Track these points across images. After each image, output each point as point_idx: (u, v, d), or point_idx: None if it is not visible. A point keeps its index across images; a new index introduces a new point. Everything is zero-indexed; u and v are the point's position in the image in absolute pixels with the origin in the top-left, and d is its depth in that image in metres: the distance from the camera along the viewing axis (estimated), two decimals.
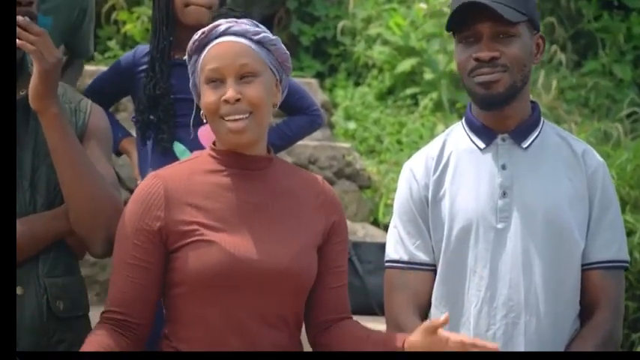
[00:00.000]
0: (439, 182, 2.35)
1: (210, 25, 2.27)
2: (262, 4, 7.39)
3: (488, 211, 2.30)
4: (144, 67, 3.21)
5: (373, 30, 7.07)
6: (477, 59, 2.29)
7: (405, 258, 2.35)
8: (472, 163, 2.35)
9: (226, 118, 2.22)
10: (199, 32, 2.28)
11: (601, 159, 2.40)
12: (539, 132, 2.36)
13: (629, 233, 5.23)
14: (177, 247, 2.22)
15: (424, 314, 2.36)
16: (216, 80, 2.23)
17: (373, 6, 7.25)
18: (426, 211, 2.35)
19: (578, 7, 7.89)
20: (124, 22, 6.48)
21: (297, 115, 3.40)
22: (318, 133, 6.36)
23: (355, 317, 2.36)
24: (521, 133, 2.35)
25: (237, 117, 2.21)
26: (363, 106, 6.69)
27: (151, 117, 3.14)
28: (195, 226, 2.21)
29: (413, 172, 2.38)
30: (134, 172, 3.34)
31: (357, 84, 7.02)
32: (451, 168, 2.36)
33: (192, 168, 2.28)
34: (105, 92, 3.25)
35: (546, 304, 2.29)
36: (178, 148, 3.13)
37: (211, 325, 2.20)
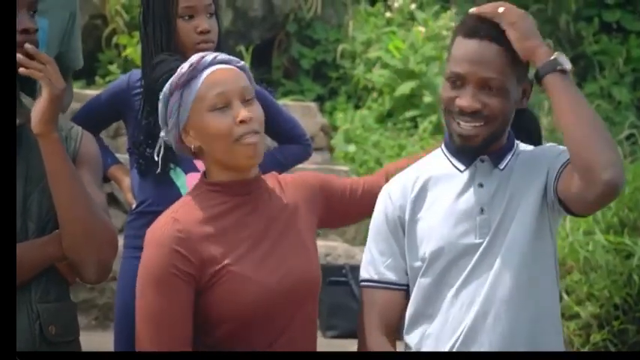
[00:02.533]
0: (417, 204, 2.39)
1: (197, 57, 2.30)
2: (262, 27, 7.42)
3: (467, 229, 2.34)
4: (138, 91, 3.20)
5: (373, 53, 7.10)
6: (459, 107, 2.31)
7: (375, 277, 2.40)
8: (451, 184, 2.38)
9: (244, 141, 2.25)
10: (187, 65, 2.30)
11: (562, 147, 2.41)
12: (514, 153, 2.40)
13: (628, 256, 5.23)
14: (209, 287, 2.24)
15: (393, 333, 2.40)
16: (223, 106, 2.27)
17: (373, 29, 7.29)
18: (399, 232, 2.39)
19: (578, 30, 7.93)
20: (125, 46, 6.52)
21: (291, 144, 3.42)
22: (317, 157, 6.38)
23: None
24: (498, 155, 2.39)
25: (254, 139, 2.26)
26: (362, 128, 6.72)
27: (148, 153, 3.13)
28: (222, 264, 2.25)
29: (389, 194, 2.42)
30: (126, 197, 3.34)
31: (356, 107, 7.05)
32: (430, 190, 2.40)
33: (200, 207, 2.30)
34: (98, 116, 3.19)
35: (526, 310, 2.33)
36: (175, 171, 3.13)
37: (246, 344, 2.27)
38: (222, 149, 2.28)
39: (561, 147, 2.38)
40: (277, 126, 3.20)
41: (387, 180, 2.52)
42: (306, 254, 2.36)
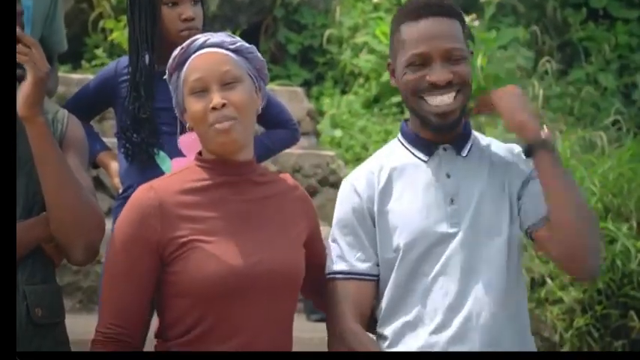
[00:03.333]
0: (384, 195, 2.40)
1: (188, 41, 2.34)
2: (249, 11, 7.41)
3: (438, 218, 2.36)
4: (125, 77, 3.21)
5: (360, 38, 7.10)
6: (432, 83, 2.35)
7: (346, 269, 2.40)
8: (417, 174, 2.41)
9: (215, 126, 2.28)
10: (178, 50, 2.35)
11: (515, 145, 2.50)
12: (473, 140, 2.45)
13: (611, 241, 5.26)
14: (173, 258, 2.26)
15: (366, 323, 2.40)
16: (201, 90, 2.30)
17: (360, 14, 7.28)
18: (369, 223, 2.40)
19: (565, 16, 7.93)
20: (111, 30, 6.49)
21: (278, 129, 3.43)
22: (303, 141, 6.38)
23: None
24: (459, 142, 2.43)
25: (225, 125, 2.28)
26: (349, 114, 6.72)
27: (135, 138, 3.14)
28: (190, 237, 2.26)
29: (354, 186, 2.42)
30: (113, 182, 3.35)
31: (343, 92, 7.04)
32: (396, 181, 2.41)
33: (183, 179, 2.33)
34: (88, 105, 3.26)
35: (500, 296, 2.35)
36: (159, 155, 3.14)
37: (209, 327, 2.26)
38: (200, 133, 2.32)
39: (524, 162, 2.42)
40: (264, 111, 3.23)
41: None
42: (289, 250, 2.34)
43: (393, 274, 2.38)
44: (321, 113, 6.75)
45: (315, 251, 2.45)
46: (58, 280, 2.56)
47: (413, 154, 2.43)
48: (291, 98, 6.32)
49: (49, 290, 2.45)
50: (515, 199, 2.41)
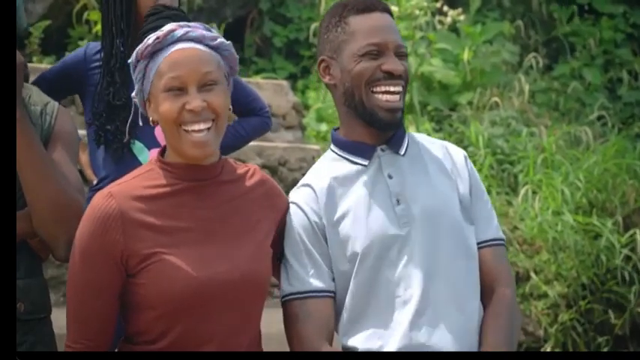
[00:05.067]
0: (330, 207, 2.34)
1: (166, 30, 2.20)
2: (235, 4, 7.38)
3: (387, 221, 2.32)
4: (96, 64, 3.14)
5: None
6: (388, 72, 2.33)
7: (303, 289, 2.31)
8: (359, 180, 2.36)
9: (188, 128, 2.17)
10: (153, 37, 2.20)
11: (461, 149, 2.50)
12: (408, 138, 2.44)
13: (596, 236, 5.28)
14: (138, 270, 2.17)
15: (330, 340, 2.34)
16: (178, 89, 2.16)
17: None
18: (319, 238, 2.33)
19: (550, 12, 7.94)
20: (96, 22, 6.46)
21: (250, 117, 3.41)
22: (288, 135, 6.37)
23: None
24: (396, 142, 2.39)
25: (201, 126, 2.17)
26: (334, 108, 6.70)
27: (108, 126, 3.09)
28: (155, 249, 2.16)
29: (298, 206, 2.35)
30: (86, 173, 3.30)
31: None
32: (339, 191, 2.36)
33: (145, 184, 2.21)
34: (52, 90, 2.90)
35: (458, 297, 2.33)
36: (136, 146, 3.08)
37: (177, 338, 2.18)
38: (170, 132, 2.19)
39: (469, 164, 2.43)
40: (236, 99, 3.19)
41: None
42: (253, 257, 2.24)
43: (352, 284, 2.30)
44: (307, 107, 6.74)
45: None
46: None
47: (351, 161, 2.38)
48: (277, 92, 6.31)
49: (32, 285, 2.39)
50: (469, 204, 2.40)
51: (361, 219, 2.33)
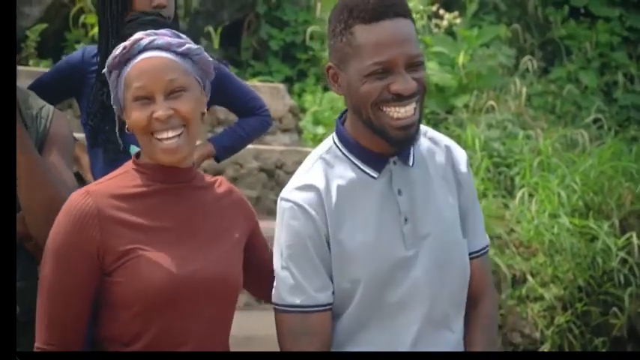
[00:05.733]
0: (336, 220, 2.19)
1: (132, 40, 2.19)
2: (231, 8, 7.39)
3: (396, 242, 2.20)
4: (94, 67, 3.15)
5: None
6: (396, 94, 2.12)
7: (306, 302, 2.19)
8: (367, 194, 2.21)
9: (159, 136, 2.17)
10: (120, 47, 2.19)
11: (463, 151, 2.35)
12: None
13: (592, 239, 5.28)
14: (115, 268, 2.15)
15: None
16: (144, 98, 2.16)
17: None
18: (325, 249, 2.19)
19: (546, 15, 7.96)
20: (92, 26, 6.46)
21: (249, 117, 3.41)
22: (285, 138, 6.38)
23: None
24: (406, 151, 2.23)
25: (170, 134, 2.16)
26: (331, 111, 6.71)
27: (104, 127, 3.09)
28: (131, 246, 2.14)
29: (304, 209, 2.18)
30: (86, 177, 3.30)
31: (325, 89, 7.04)
32: (346, 204, 2.20)
33: (122, 185, 2.21)
34: (49, 93, 2.96)
35: (451, 316, 2.28)
36: (132, 149, 3.08)
37: (152, 338, 2.17)
38: (142, 141, 2.20)
39: (471, 177, 2.33)
40: (235, 100, 3.18)
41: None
42: (226, 259, 2.23)
43: (354, 302, 2.20)
44: (303, 110, 6.74)
45: (258, 250, 2.34)
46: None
47: (360, 168, 2.21)
48: (273, 95, 6.31)
49: (27, 287, 2.39)
50: (465, 213, 2.31)
51: (368, 241, 2.20)
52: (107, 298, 2.17)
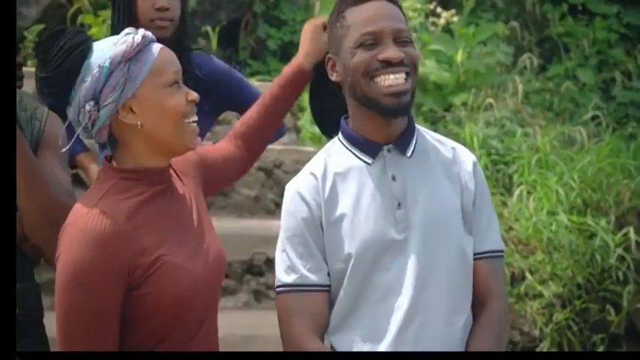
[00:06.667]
0: (330, 203, 2.31)
1: (140, 31, 2.21)
2: (229, 7, 7.39)
3: (386, 225, 2.28)
4: None
5: None
6: (385, 60, 2.26)
7: (298, 281, 2.30)
8: (361, 179, 2.32)
9: (190, 119, 2.21)
10: (131, 39, 2.17)
11: (471, 154, 2.44)
12: (417, 138, 2.37)
13: (591, 236, 5.29)
14: (144, 279, 2.14)
15: (323, 335, 2.33)
16: (177, 84, 2.20)
17: None
18: (319, 232, 2.31)
19: (544, 12, 7.96)
20: (90, 26, 6.46)
21: None
22: (283, 137, 6.38)
23: None
24: (403, 142, 2.33)
25: (196, 118, 2.24)
26: None
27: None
28: (154, 256, 2.15)
29: (300, 195, 2.32)
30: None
31: None
32: (341, 188, 2.32)
33: (122, 197, 2.18)
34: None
35: (449, 308, 2.30)
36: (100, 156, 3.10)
37: (175, 337, 2.19)
38: (172, 127, 2.19)
39: (479, 176, 2.38)
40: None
41: (239, 137, 2.58)
42: (214, 233, 2.31)
43: (344, 285, 2.29)
44: (302, 109, 6.74)
45: (211, 160, 2.45)
46: (36, 277, 2.52)
47: (356, 155, 2.34)
48: None
49: (24, 289, 2.40)
50: (470, 214, 2.35)
51: (360, 221, 2.29)
52: (133, 312, 2.15)
